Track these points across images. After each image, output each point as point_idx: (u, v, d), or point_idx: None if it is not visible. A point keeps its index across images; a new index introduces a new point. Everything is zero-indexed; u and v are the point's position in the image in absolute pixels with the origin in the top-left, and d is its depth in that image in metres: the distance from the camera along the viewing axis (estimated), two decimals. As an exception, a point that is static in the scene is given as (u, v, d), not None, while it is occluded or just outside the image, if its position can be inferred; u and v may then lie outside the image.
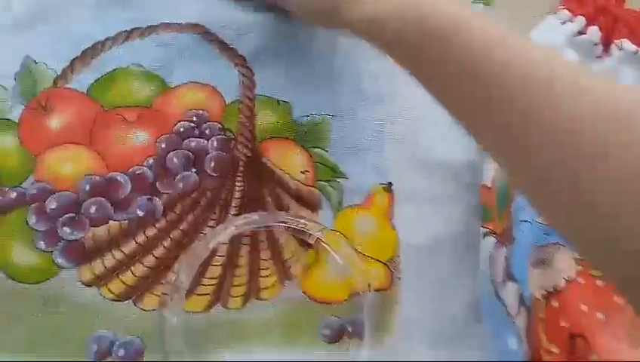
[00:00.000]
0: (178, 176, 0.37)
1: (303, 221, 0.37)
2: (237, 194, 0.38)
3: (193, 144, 0.38)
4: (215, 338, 0.35)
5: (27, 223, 0.34)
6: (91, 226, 0.35)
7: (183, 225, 0.36)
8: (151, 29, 0.37)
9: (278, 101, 0.39)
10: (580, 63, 0.45)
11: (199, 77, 0.38)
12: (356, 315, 0.37)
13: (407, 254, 0.40)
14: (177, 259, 0.36)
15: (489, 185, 0.41)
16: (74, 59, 0.36)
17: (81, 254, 0.35)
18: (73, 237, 0.35)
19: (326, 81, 0.40)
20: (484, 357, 0.39)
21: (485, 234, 0.39)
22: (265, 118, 0.39)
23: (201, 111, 0.38)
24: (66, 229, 0.35)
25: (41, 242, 0.34)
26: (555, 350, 0.34)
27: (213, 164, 0.38)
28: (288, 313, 0.37)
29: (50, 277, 0.34)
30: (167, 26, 0.38)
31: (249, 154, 0.39)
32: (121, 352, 0.33)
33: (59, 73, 0.36)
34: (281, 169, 0.39)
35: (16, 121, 0.35)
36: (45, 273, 0.34)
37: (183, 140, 0.38)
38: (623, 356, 0.33)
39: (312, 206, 0.39)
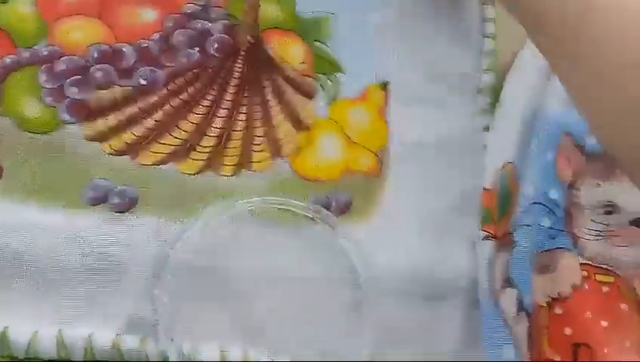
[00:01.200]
0: (181, 53, 0.39)
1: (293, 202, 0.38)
2: (236, 75, 0.40)
3: (198, 25, 0.40)
4: (204, 198, 0.37)
5: (37, 80, 0.37)
6: (97, 89, 0.37)
7: (183, 96, 0.38)
8: None
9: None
10: None
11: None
12: (342, 193, 0.39)
13: (397, 146, 0.41)
14: (175, 123, 0.38)
15: (489, 187, 0.39)
16: None
17: (85, 112, 0.37)
18: (79, 97, 0.37)
19: None
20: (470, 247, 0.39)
21: (484, 238, 0.38)
22: (268, 9, 0.41)
23: (208, -5, 0.40)
24: (73, 89, 0.37)
25: (49, 98, 0.37)
26: (557, 359, 0.33)
27: (216, 46, 0.39)
28: (278, 185, 0.38)
29: (54, 129, 0.36)
30: None
31: (252, 41, 0.40)
32: (116, 200, 0.36)
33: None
34: (280, 57, 0.41)
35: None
36: (50, 125, 0.36)
37: (189, 21, 0.40)
38: None
39: (308, 94, 0.41)
